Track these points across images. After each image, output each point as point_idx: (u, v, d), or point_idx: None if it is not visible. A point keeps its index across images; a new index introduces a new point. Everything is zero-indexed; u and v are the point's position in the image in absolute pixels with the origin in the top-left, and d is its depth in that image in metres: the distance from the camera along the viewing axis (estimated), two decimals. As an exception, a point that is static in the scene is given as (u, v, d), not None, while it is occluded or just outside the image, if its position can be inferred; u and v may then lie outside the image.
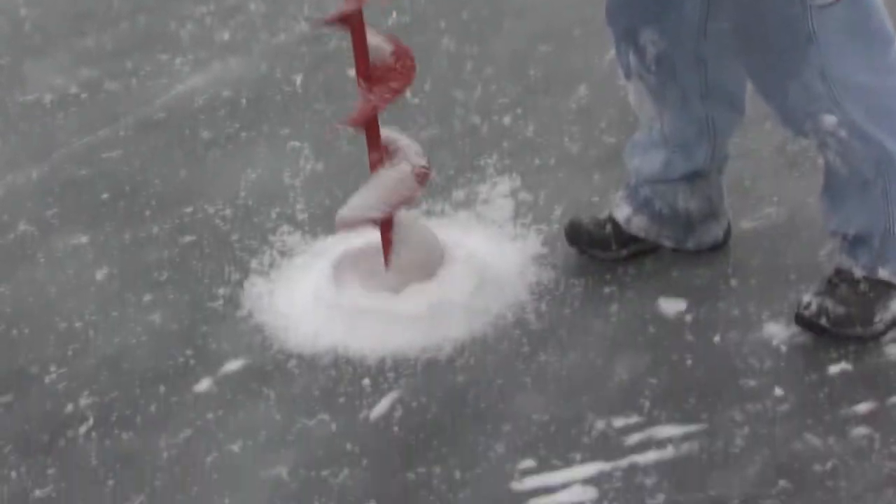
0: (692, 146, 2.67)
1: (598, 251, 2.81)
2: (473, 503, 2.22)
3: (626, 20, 2.58)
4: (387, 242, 2.70)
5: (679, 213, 2.76)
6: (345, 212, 2.64)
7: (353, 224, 2.68)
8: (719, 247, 2.81)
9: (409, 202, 2.67)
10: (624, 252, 2.81)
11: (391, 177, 2.61)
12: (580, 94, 3.70)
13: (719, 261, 2.80)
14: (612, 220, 2.81)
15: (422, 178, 2.63)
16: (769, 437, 2.28)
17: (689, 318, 2.63)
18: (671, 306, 2.67)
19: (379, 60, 2.54)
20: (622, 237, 2.80)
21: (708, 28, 2.52)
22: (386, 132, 2.66)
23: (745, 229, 2.90)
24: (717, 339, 2.56)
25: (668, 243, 2.80)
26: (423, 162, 2.64)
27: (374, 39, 2.54)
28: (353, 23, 2.49)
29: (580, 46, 3.99)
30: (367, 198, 2.63)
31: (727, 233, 2.82)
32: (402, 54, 2.57)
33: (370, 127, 2.61)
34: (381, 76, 2.54)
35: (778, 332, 2.55)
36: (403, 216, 2.70)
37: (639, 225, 2.78)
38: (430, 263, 2.71)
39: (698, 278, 2.75)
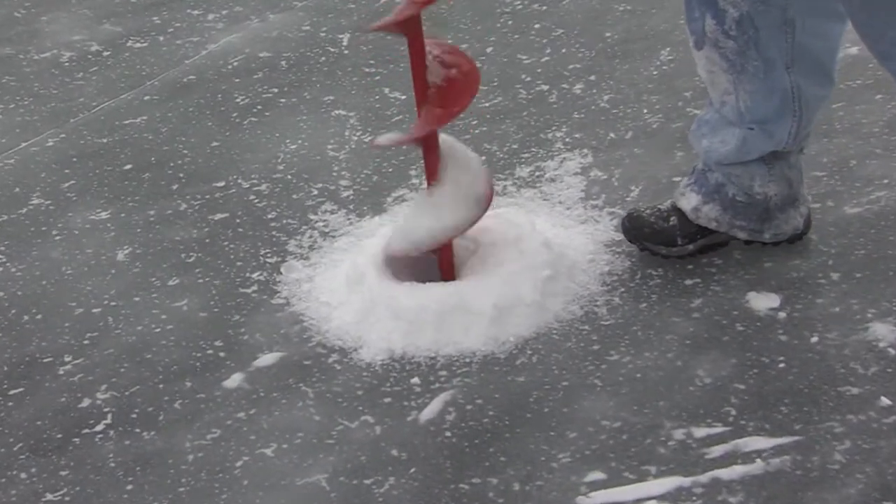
0: (773, 123, 2.64)
1: (661, 247, 2.79)
2: (534, 519, 2.23)
3: None
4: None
5: (755, 200, 2.73)
6: (394, 242, 2.67)
7: (402, 253, 2.69)
8: (799, 238, 2.78)
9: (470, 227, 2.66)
10: (691, 247, 2.79)
11: (449, 197, 2.61)
12: (662, 59, 3.68)
13: (818, 251, 2.77)
14: (676, 210, 2.79)
15: (486, 200, 2.64)
16: (873, 452, 2.26)
17: (782, 315, 2.61)
18: (762, 302, 2.65)
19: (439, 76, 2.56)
20: (689, 230, 2.77)
21: None
22: (446, 141, 2.65)
23: (849, 215, 2.86)
24: (814, 339, 2.54)
25: (741, 235, 2.78)
26: (486, 181, 2.65)
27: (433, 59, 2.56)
28: (409, 30, 2.52)
29: (663, 4, 3.96)
30: (421, 227, 2.64)
31: (808, 221, 2.79)
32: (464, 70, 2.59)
33: (429, 146, 2.61)
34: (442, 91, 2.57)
35: (885, 333, 2.52)
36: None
37: (709, 215, 2.75)
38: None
39: (794, 270, 2.72)
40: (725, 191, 2.74)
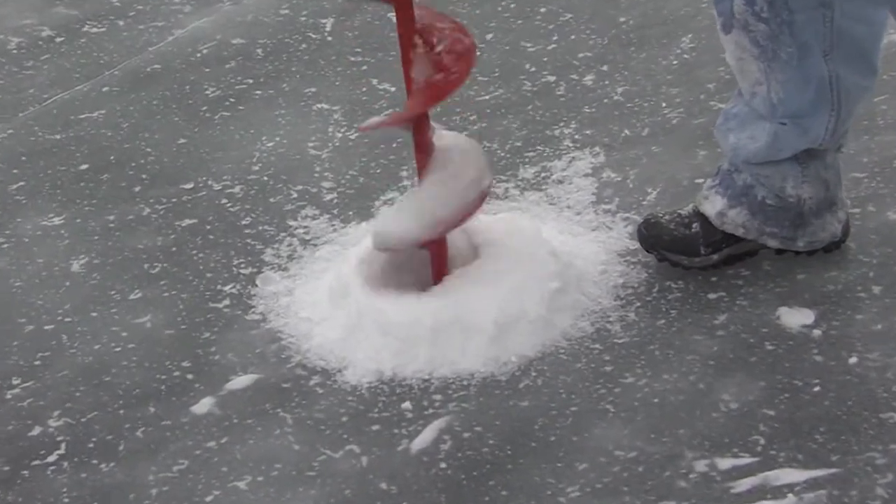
0: (808, 117, 2.65)
1: (682, 257, 2.80)
2: (539, 561, 2.24)
3: None
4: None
5: (788, 204, 2.74)
6: (383, 230, 2.67)
7: (394, 247, 2.70)
8: (836, 246, 2.80)
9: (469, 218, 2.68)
10: (715, 257, 2.79)
11: (445, 187, 2.62)
12: (683, 46, 3.69)
13: (858, 261, 2.78)
14: (699, 215, 2.80)
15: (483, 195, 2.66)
16: (918, 485, 2.27)
17: (817, 333, 2.62)
18: (795, 318, 2.66)
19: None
20: (713, 238, 2.78)
21: None
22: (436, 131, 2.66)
23: (892, 221, 2.88)
24: (853, 360, 2.55)
25: (772, 243, 2.79)
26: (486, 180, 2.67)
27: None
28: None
29: (684, -14, 3.98)
30: (413, 214, 2.64)
31: (846, 228, 2.80)
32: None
33: (418, 129, 2.63)
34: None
35: (931, 353, 2.54)
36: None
37: (735, 221, 2.76)
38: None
39: (831, 283, 2.74)
40: (754, 193, 2.75)
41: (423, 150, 2.64)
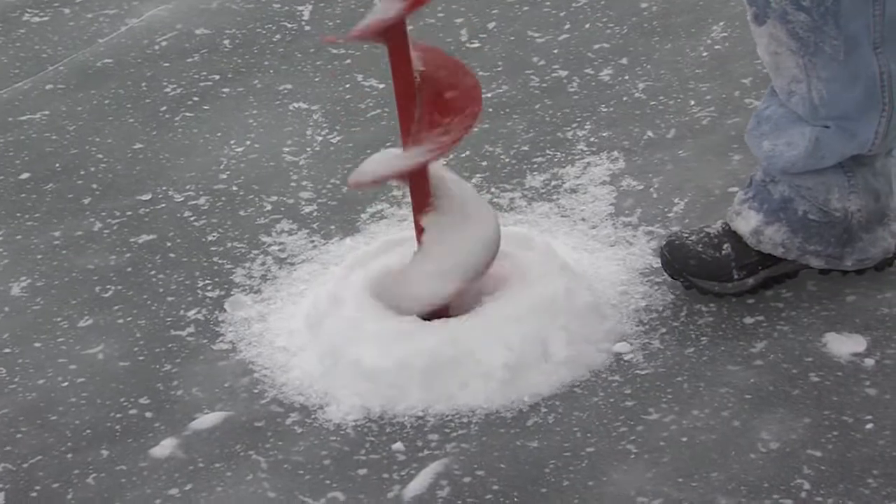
0: (855, 119, 2.65)
1: (712, 283, 2.80)
2: None
3: None
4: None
5: (833, 218, 2.75)
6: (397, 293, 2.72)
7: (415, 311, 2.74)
8: (889, 264, 2.81)
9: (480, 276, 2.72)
10: (751, 281, 2.81)
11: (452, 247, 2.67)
12: (714, 36, 3.70)
13: (915, 280, 2.81)
14: (731, 234, 2.81)
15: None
16: (985, 536, 2.29)
17: (869, 362, 2.63)
18: (844, 345, 2.68)
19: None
20: (748, 259, 2.79)
21: None
22: (438, 177, 2.69)
23: (953, 235, 2.90)
24: (910, 393, 2.57)
25: (816, 262, 2.79)
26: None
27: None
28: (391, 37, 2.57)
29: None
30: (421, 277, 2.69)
31: (902, 244, 2.83)
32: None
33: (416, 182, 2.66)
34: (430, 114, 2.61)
35: None
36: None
37: (773, 239, 2.77)
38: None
39: (884, 305, 2.75)
40: (794, 207, 2.76)
41: (422, 208, 2.69)
